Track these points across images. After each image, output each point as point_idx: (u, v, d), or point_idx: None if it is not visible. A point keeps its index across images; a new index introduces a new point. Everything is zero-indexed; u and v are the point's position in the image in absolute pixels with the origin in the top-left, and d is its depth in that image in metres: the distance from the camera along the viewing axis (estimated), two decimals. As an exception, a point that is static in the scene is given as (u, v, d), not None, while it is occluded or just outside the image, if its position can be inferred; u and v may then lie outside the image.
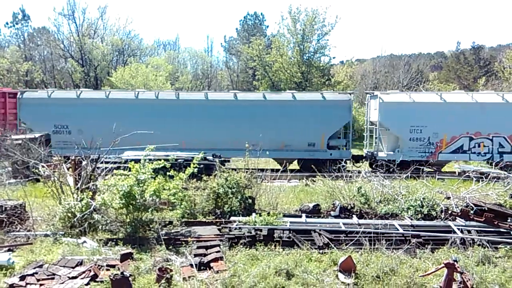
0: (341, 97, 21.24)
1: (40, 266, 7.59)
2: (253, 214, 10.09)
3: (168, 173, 10.28)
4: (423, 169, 16.00)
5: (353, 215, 10.55)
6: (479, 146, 19.22)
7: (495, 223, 9.42)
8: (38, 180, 12.49)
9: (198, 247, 8.42)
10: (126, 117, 18.62)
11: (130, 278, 6.76)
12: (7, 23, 50.13)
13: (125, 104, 20.13)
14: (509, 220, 9.71)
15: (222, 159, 15.88)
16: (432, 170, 18.70)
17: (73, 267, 7.50)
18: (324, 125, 19.98)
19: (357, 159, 20.61)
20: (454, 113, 19.16)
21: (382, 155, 19.90)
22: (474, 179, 13.00)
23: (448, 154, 19.39)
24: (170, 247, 8.53)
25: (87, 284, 6.98)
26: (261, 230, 8.98)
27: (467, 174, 14.54)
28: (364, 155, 20.98)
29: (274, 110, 20.06)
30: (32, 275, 7.20)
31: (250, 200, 11.02)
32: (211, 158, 15.04)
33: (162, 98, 20.66)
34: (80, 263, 7.69)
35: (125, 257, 7.84)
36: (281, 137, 19.45)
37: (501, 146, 19.09)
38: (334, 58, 47.29)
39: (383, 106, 19.71)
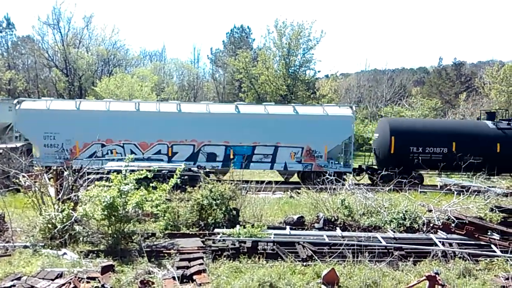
0: None
1: (18, 279, 7.41)
2: (237, 226, 10.05)
3: (151, 184, 10.19)
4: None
5: (337, 228, 10.60)
6: (111, 152, 20.04)
7: (476, 236, 9.57)
8: (18, 191, 12.27)
9: (181, 260, 8.33)
10: None
11: (111, 291, 6.68)
12: (-10, 31, 49.55)
13: None
14: (489, 233, 9.88)
15: (207, 170, 15.81)
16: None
17: (52, 280, 7.33)
18: None
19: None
20: (86, 121, 19.83)
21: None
22: (455, 192, 13.21)
23: (83, 160, 19.39)
24: (153, 259, 8.42)
25: (67, 297, 6.85)
26: (245, 242, 8.95)
27: (448, 187, 14.78)
28: None
29: None
30: (10, 287, 7.04)
31: (234, 212, 10.98)
32: (195, 169, 14.98)
33: None
34: (60, 275, 7.53)
35: (106, 270, 7.71)
36: None
37: (133, 153, 19.41)
38: (319, 72, 47.87)
39: (19, 112, 20.34)
